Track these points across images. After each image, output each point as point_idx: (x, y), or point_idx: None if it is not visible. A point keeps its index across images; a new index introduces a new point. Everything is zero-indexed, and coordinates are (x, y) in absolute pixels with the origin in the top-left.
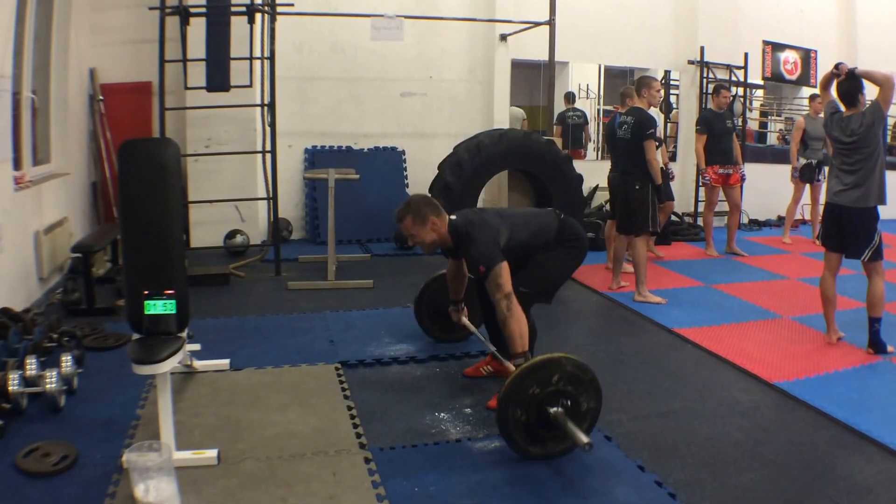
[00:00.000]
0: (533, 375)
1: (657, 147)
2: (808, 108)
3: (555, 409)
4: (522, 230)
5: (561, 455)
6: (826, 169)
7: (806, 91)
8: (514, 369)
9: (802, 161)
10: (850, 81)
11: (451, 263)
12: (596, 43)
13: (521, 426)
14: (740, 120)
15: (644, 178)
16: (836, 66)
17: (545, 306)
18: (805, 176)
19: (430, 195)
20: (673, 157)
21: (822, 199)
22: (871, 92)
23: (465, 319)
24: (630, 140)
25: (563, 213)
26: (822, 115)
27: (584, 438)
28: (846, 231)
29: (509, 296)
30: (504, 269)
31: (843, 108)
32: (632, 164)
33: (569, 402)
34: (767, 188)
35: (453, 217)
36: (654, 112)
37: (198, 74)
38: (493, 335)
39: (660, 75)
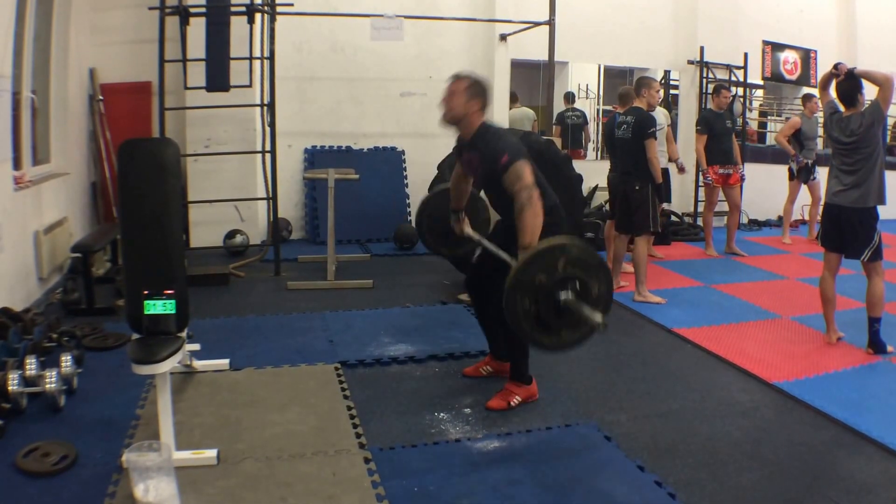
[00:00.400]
0: (538, 263)
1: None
2: (803, 109)
3: (564, 295)
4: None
5: (577, 345)
6: (821, 169)
7: (806, 91)
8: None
9: (802, 160)
10: (849, 81)
11: (458, 170)
12: (596, 43)
13: (531, 317)
14: (740, 120)
15: (644, 177)
16: (836, 67)
17: None
18: (801, 175)
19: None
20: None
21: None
22: (870, 92)
23: (467, 229)
24: (630, 140)
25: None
26: (817, 114)
27: (598, 318)
28: (845, 231)
29: (531, 187)
30: (528, 165)
31: (842, 108)
32: (632, 164)
33: (578, 288)
34: (767, 188)
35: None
36: (661, 109)
37: (197, 74)
38: (490, 335)
39: (659, 75)
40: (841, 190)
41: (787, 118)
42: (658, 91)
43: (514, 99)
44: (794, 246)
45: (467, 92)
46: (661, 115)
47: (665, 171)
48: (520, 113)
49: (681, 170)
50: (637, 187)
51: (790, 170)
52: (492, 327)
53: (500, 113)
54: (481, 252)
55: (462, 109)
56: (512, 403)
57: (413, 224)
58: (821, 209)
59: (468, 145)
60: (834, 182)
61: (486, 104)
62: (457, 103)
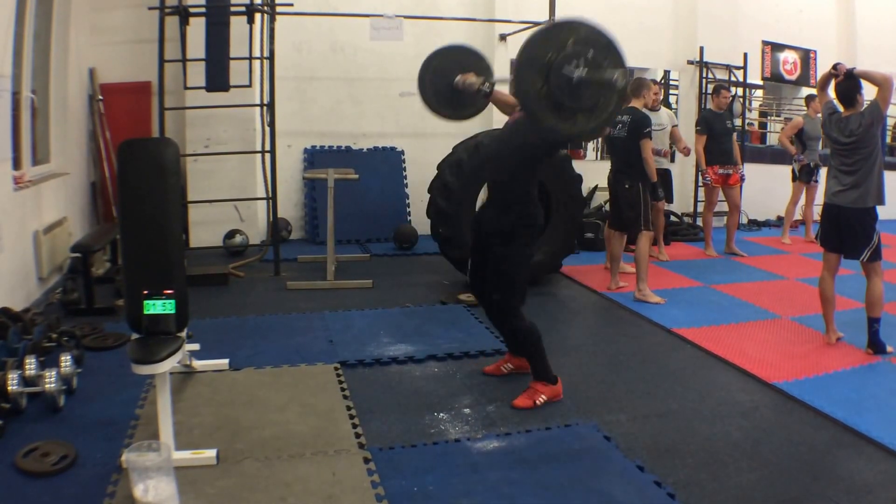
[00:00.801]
0: (547, 41)
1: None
2: (806, 109)
3: (578, 71)
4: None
5: (593, 134)
6: (822, 171)
7: (805, 91)
8: None
9: (803, 158)
10: (848, 82)
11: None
12: None
13: (543, 98)
14: (740, 120)
15: (636, 176)
16: (834, 67)
17: (544, 304)
18: (803, 176)
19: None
20: (672, 158)
21: (818, 200)
22: (869, 92)
23: (471, 77)
24: (626, 139)
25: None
26: (820, 114)
27: (615, 74)
28: (844, 232)
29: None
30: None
31: (841, 108)
32: (625, 163)
33: (590, 66)
34: (767, 188)
35: None
36: (665, 110)
37: (197, 74)
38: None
39: (659, 75)
40: (840, 190)
41: (787, 118)
42: (656, 93)
43: None
44: (794, 246)
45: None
46: (664, 115)
47: (667, 172)
48: None
49: (685, 152)
50: (627, 185)
51: (793, 171)
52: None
53: (500, 113)
54: (477, 254)
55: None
56: (538, 402)
57: (418, 84)
58: (816, 209)
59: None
60: (833, 182)
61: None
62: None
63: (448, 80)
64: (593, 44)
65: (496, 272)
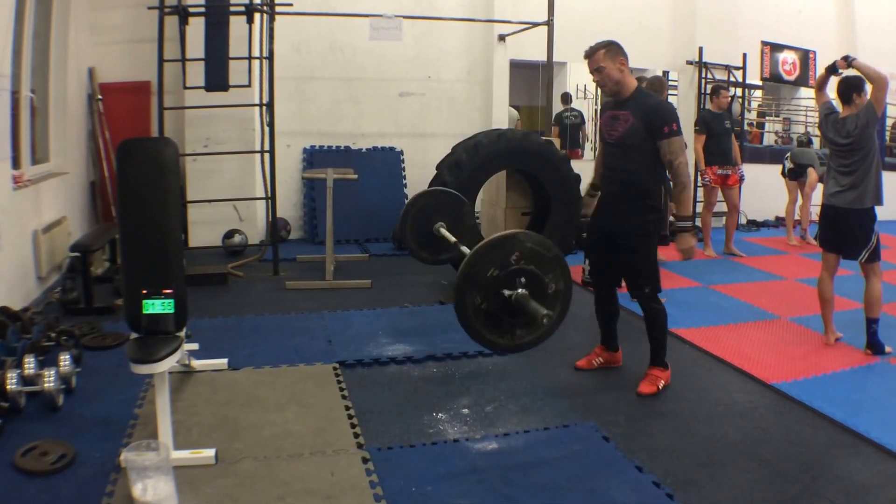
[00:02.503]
0: (489, 255)
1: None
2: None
3: (516, 291)
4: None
5: (532, 346)
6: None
7: (804, 92)
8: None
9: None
10: (850, 82)
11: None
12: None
13: (482, 314)
14: (739, 120)
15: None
16: (835, 64)
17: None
18: (790, 174)
19: None
20: None
21: (814, 200)
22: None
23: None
24: None
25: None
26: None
27: (542, 310)
28: (843, 232)
29: (686, 164)
30: (683, 143)
31: (840, 108)
32: None
33: (532, 284)
34: (765, 189)
35: None
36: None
37: (196, 74)
38: (607, 327)
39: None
40: (838, 191)
41: (786, 119)
42: (666, 92)
43: None
44: (795, 246)
45: (609, 56)
46: None
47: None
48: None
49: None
50: None
51: (783, 168)
52: (611, 319)
53: (499, 113)
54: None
55: (615, 73)
56: (659, 387)
57: (400, 223)
58: (814, 209)
59: (621, 103)
60: (831, 183)
61: (627, 59)
62: (609, 70)
63: (429, 223)
64: (538, 259)
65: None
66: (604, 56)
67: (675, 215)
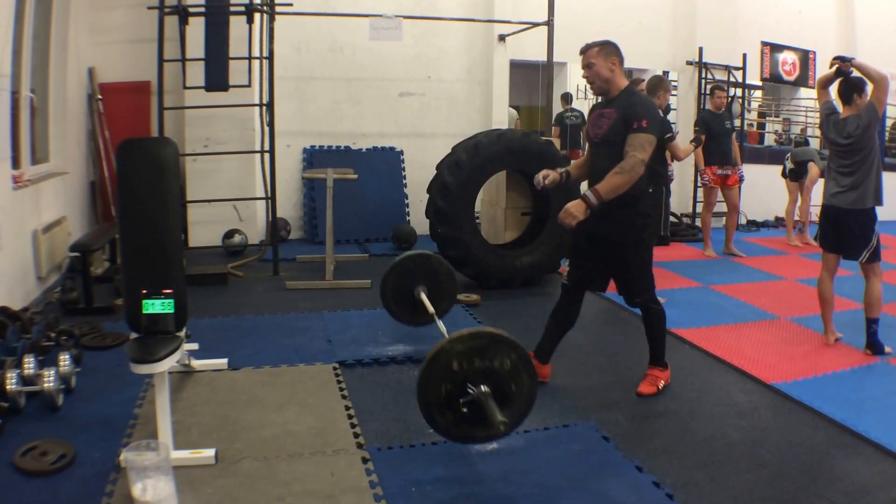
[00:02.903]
0: (432, 376)
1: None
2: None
3: (472, 395)
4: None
5: (489, 440)
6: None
7: (804, 92)
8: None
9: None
10: (851, 81)
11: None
12: None
13: (462, 423)
14: (739, 121)
15: (657, 181)
16: (842, 68)
17: (543, 305)
18: (791, 174)
19: None
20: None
21: (814, 201)
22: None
23: (552, 175)
24: None
25: None
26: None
27: (500, 419)
28: (843, 233)
29: (643, 162)
30: (654, 142)
31: (840, 108)
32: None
33: (484, 377)
34: (765, 189)
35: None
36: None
37: (196, 74)
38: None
39: None
40: (838, 192)
41: (786, 119)
42: (668, 92)
43: None
44: (795, 247)
45: (602, 54)
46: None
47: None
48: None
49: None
50: (650, 190)
51: (783, 169)
52: (559, 330)
53: (499, 113)
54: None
55: (605, 71)
56: (659, 387)
57: (381, 289)
58: (813, 210)
59: (608, 102)
60: (832, 183)
61: (622, 60)
62: (599, 67)
63: (411, 286)
64: (478, 352)
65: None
66: (596, 53)
67: (593, 189)
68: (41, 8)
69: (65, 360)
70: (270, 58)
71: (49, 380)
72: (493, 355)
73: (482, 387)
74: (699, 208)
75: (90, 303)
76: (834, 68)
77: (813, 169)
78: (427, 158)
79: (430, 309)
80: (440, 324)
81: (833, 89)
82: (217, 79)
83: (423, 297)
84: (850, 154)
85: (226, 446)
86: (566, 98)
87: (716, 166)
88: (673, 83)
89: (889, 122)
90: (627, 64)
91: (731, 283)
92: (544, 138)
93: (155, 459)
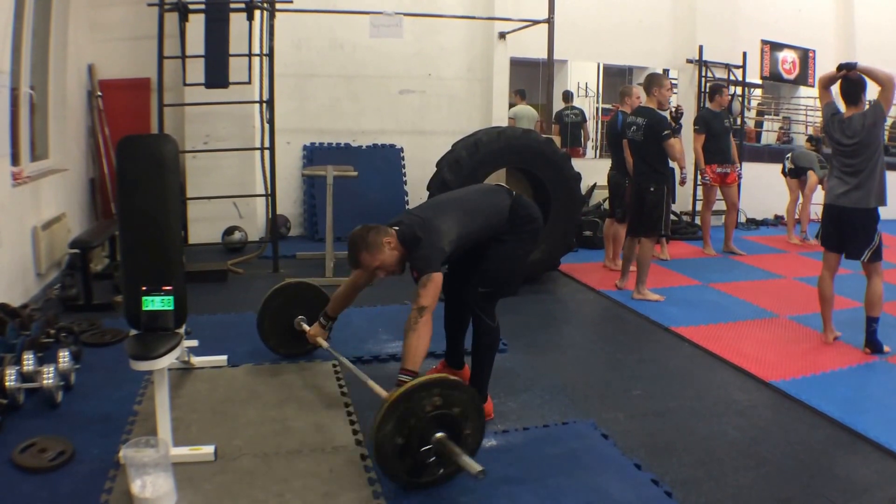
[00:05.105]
0: (388, 431)
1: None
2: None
3: (430, 443)
4: (476, 217)
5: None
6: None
7: (804, 91)
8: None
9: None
10: (853, 80)
11: (356, 273)
12: (595, 41)
13: (399, 450)
14: (738, 119)
15: (659, 180)
16: (845, 70)
17: (543, 303)
18: (791, 173)
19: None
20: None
21: (814, 200)
22: (870, 92)
23: (321, 340)
24: (643, 142)
25: (514, 191)
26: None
27: (473, 465)
28: (846, 232)
29: (423, 310)
30: (435, 281)
31: (843, 108)
32: (645, 166)
33: (439, 424)
34: (764, 187)
35: (396, 227)
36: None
37: (196, 71)
38: (453, 341)
39: None
40: (843, 192)
41: (786, 118)
42: (669, 89)
43: (522, 96)
44: (795, 245)
45: (372, 251)
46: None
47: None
48: (523, 110)
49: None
50: (652, 189)
51: (783, 167)
52: (456, 334)
53: (501, 111)
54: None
55: (391, 256)
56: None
57: (257, 323)
58: (813, 209)
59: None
60: (835, 183)
61: (378, 230)
62: (385, 261)
63: (290, 317)
64: (417, 400)
65: (493, 261)
66: (370, 257)
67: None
68: (41, 4)
69: (64, 356)
70: (270, 54)
71: (48, 376)
72: (421, 403)
73: (436, 435)
74: (699, 206)
75: (90, 299)
76: (841, 73)
77: (812, 177)
78: (427, 156)
79: (324, 343)
80: (333, 351)
81: (835, 89)
82: (217, 75)
83: (304, 325)
84: (855, 153)
85: (225, 443)
86: (566, 96)
87: (715, 164)
88: (673, 81)
89: (889, 122)
90: (628, 62)
91: (730, 281)
92: (544, 136)
93: (154, 456)
